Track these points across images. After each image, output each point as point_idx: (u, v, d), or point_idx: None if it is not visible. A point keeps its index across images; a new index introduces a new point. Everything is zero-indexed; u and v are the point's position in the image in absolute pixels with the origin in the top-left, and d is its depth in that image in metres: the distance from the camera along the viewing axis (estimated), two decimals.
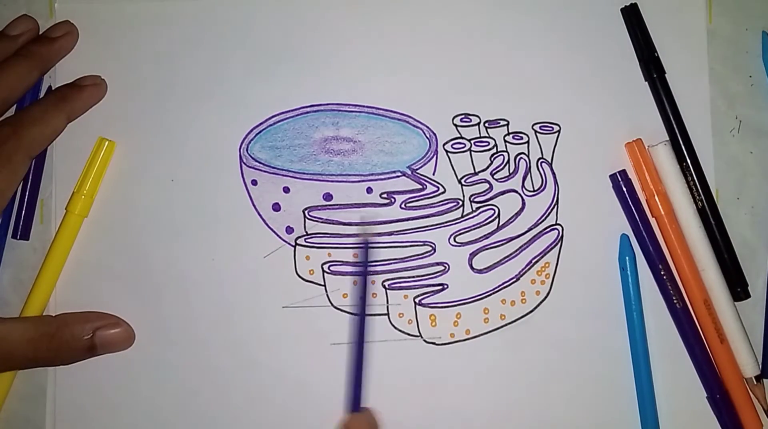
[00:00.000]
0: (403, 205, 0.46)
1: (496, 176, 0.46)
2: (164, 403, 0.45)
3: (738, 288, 0.45)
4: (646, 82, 0.46)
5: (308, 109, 0.47)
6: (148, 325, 0.45)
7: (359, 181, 0.46)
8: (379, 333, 0.45)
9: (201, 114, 0.46)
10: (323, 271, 0.46)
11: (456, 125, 0.46)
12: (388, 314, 0.46)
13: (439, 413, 0.45)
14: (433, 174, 0.46)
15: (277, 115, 0.47)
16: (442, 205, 0.46)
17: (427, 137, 0.46)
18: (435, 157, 0.46)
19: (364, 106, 0.47)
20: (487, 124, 0.46)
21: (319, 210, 0.46)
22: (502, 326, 0.46)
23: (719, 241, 0.45)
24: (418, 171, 0.46)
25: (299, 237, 0.46)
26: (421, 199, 0.46)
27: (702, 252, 0.44)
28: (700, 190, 0.45)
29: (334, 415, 0.45)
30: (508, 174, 0.46)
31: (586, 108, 0.46)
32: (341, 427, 0.44)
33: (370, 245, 0.45)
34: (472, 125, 0.46)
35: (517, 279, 0.46)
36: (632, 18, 0.46)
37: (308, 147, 0.46)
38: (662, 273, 0.44)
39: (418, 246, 0.46)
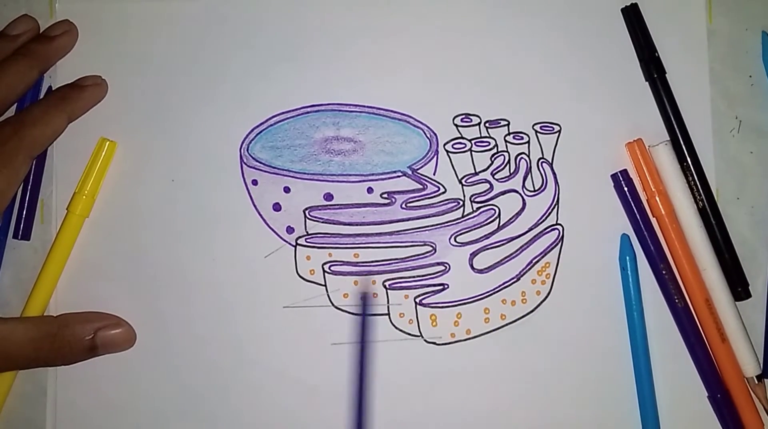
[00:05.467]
0: (403, 205, 0.46)
1: (496, 176, 0.46)
2: (164, 403, 0.45)
3: (739, 288, 0.45)
4: (647, 82, 0.46)
5: (309, 109, 0.47)
6: (149, 326, 0.45)
7: (360, 181, 0.46)
8: (379, 333, 0.45)
9: (202, 114, 0.46)
10: (324, 271, 0.46)
11: (456, 125, 0.46)
12: (388, 314, 0.46)
13: (439, 413, 0.45)
14: (434, 174, 0.46)
15: (278, 115, 0.47)
16: (443, 205, 0.46)
17: (427, 137, 0.46)
18: (435, 157, 0.46)
19: (364, 106, 0.47)
20: (487, 124, 0.46)
21: (320, 210, 0.46)
22: (502, 326, 0.46)
23: (720, 241, 0.45)
24: (418, 171, 0.46)
25: (300, 237, 0.46)
26: (422, 199, 0.46)
27: (703, 252, 0.44)
28: (700, 190, 0.45)
29: (335, 415, 0.45)
30: (508, 174, 0.46)
31: (587, 108, 0.46)
32: None
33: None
34: (473, 125, 0.46)
35: (518, 279, 0.46)
36: (632, 18, 0.46)
37: (309, 147, 0.46)
38: (663, 272, 0.44)
39: (419, 246, 0.46)
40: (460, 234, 0.46)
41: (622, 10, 0.46)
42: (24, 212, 0.46)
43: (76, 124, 0.46)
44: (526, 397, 0.45)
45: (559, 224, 0.46)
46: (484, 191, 0.46)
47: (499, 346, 0.45)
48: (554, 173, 0.46)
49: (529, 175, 0.46)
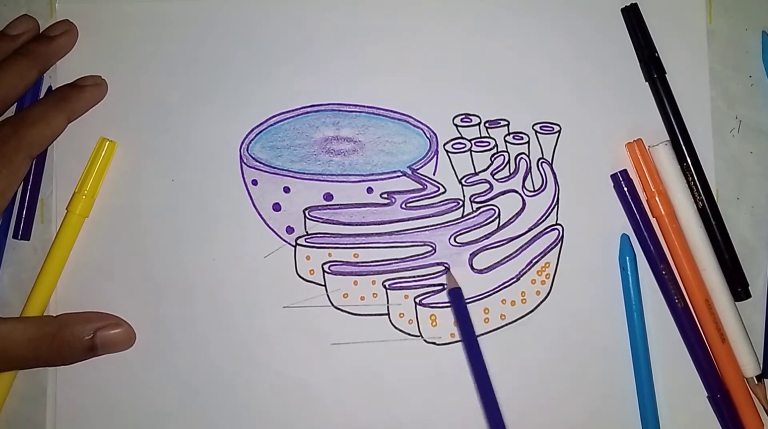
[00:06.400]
0: (403, 205, 0.46)
1: (496, 176, 0.46)
2: (164, 403, 0.45)
3: (738, 288, 0.45)
4: (647, 82, 0.46)
5: (308, 109, 0.47)
6: (149, 326, 0.45)
7: (359, 181, 0.46)
8: (379, 333, 0.45)
9: (201, 114, 0.46)
10: (324, 271, 0.46)
11: (456, 125, 0.46)
12: (388, 314, 0.46)
13: (439, 413, 0.45)
14: (434, 174, 0.46)
15: (278, 115, 0.47)
16: (443, 205, 0.46)
17: (427, 137, 0.46)
18: (435, 157, 0.46)
19: (364, 106, 0.47)
20: (487, 124, 0.46)
21: (320, 210, 0.46)
22: (502, 326, 0.46)
23: (720, 241, 0.45)
24: (418, 171, 0.46)
25: (300, 237, 0.46)
26: (422, 199, 0.46)
27: (702, 252, 0.44)
28: (700, 190, 0.45)
29: (334, 415, 0.45)
30: (508, 174, 0.46)
31: (587, 108, 0.46)
32: None
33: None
34: (473, 125, 0.46)
35: (518, 279, 0.46)
36: (632, 18, 0.46)
37: (309, 147, 0.46)
38: (663, 273, 0.44)
39: (419, 246, 0.46)
40: (460, 234, 0.46)
41: (622, 10, 0.46)
42: (24, 212, 0.46)
43: (76, 124, 0.46)
44: (525, 397, 0.45)
45: (559, 224, 0.46)
46: (484, 191, 0.46)
47: (499, 346, 0.45)
48: (554, 173, 0.46)
49: (529, 175, 0.46)
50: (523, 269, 0.46)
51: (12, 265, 0.46)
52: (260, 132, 0.46)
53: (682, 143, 0.45)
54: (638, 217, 0.45)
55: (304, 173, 0.46)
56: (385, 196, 0.46)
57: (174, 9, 0.47)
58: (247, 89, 0.47)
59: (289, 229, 0.46)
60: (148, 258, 0.46)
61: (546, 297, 0.46)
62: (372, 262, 0.46)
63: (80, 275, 0.46)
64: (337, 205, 0.46)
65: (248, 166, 0.46)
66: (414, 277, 0.46)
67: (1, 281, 0.46)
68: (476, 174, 0.46)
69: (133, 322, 0.45)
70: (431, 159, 0.46)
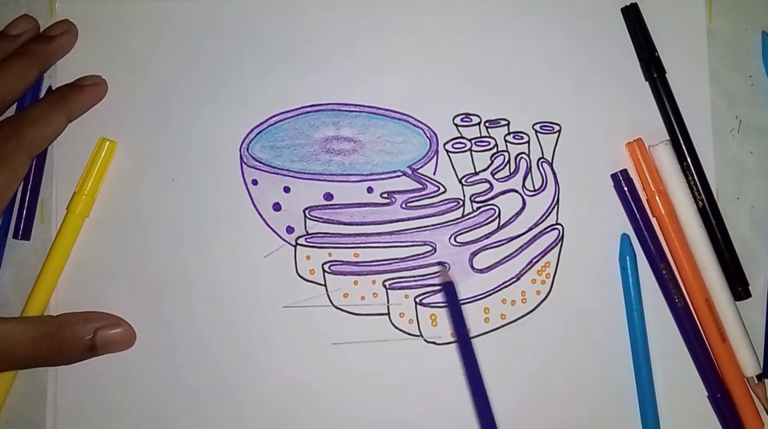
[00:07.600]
0: (403, 205, 0.46)
1: (496, 176, 0.46)
2: (165, 403, 0.45)
3: (739, 287, 0.45)
4: (647, 82, 0.46)
5: (309, 109, 0.47)
6: (149, 325, 0.45)
7: (360, 181, 0.46)
8: (379, 333, 0.45)
9: (202, 114, 0.46)
10: (324, 270, 0.46)
11: (456, 125, 0.46)
12: (388, 314, 0.46)
13: (439, 413, 0.45)
14: (434, 174, 0.46)
15: (278, 114, 0.47)
16: (443, 204, 0.46)
17: (427, 137, 0.46)
18: (435, 156, 0.46)
19: (364, 106, 0.47)
20: (487, 124, 0.46)
21: (320, 210, 0.46)
22: (502, 326, 0.46)
23: (720, 241, 0.45)
24: (418, 171, 0.46)
25: (300, 237, 0.46)
26: (422, 199, 0.46)
27: (703, 251, 0.44)
28: (700, 190, 0.45)
29: (334, 415, 0.45)
30: (508, 174, 0.46)
31: (587, 108, 0.46)
32: None
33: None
34: (473, 125, 0.46)
35: (518, 279, 0.46)
36: (632, 18, 0.46)
37: (309, 147, 0.46)
38: (663, 272, 0.44)
39: (419, 246, 0.46)
40: (460, 234, 0.46)
41: (622, 10, 0.46)
42: (24, 212, 0.46)
43: (76, 124, 0.46)
44: (525, 397, 0.45)
45: (559, 224, 0.46)
46: (484, 191, 0.46)
47: (499, 346, 0.45)
48: (554, 173, 0.46)
49: (529, 175, 0.46)
50: (523, 269, 0.46)
51: (12, 265, 0.46)
52: (260, 132, 0.46)
53: (682, 143, 0.45)
54: (638, 217, 0.45)
55: (305, 173, 0.46)
56: (385, 195, 0.46)
57: (174, 9, 0.47)
58: (247, 89, 0.47)
59: (289, 229, 0.46)
60: (148, 258, 0.46)
61: (546, 297, 0.46)
62: (372, 261, 0.46)
63: (80, 275, 0.46)
64: (338, 204, 0.46)
65: (248, 165, 0.46)
66: (414, 276, 0.46)
67: (1, 281, 0.46)
68: (476, 174, 0.46)
69: (133, 322, 0.45)
70: (431, 159, 0.46)
